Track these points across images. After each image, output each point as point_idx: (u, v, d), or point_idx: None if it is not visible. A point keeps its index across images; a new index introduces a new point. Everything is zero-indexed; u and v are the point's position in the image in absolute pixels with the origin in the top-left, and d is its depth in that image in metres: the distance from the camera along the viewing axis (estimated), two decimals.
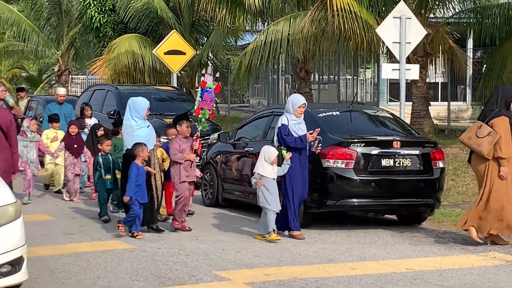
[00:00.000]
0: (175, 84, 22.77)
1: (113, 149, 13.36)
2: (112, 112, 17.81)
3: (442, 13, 20.57)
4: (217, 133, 15.92)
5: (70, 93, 35.69)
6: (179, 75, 26.28)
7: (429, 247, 10.85)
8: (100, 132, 14.92)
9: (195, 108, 12.23)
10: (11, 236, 7.65)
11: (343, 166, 11.84)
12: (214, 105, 12.23)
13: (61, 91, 18.50)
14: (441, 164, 12.51)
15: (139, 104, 11.86)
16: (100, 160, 12.99)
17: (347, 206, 12.13)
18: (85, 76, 42.53)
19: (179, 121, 12.03)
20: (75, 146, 14.95)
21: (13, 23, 34.64)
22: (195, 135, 12.21)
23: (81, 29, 33.54)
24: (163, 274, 9.03)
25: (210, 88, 12.25)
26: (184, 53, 22.55)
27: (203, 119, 12.24)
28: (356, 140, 11.99)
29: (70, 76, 37.80)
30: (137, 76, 28.09)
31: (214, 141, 15.27)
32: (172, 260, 9.80)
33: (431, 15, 20.52)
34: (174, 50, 22.44)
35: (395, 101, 22.75)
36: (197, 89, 30.75)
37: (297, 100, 11.69)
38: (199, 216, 13.30)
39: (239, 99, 47.91)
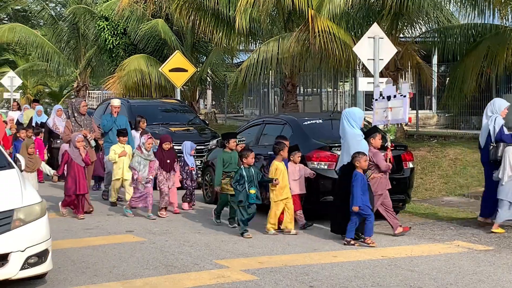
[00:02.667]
0: (178, 97, 22.76)
1: (221, 163, 11.78)
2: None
3: (410, 33, 20.60)
4: (216, 139, 15.91)
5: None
6: (182, 89, 26.26)
7: (401, 237, 10.85)
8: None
9: (409, 116, 11.43)
10: (38, 231, 7.68)
11: (325, 167, 11.85)
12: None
13: (116, 102, 15.43)
14: (411, 165, 12.54)
15: (356, 114, 10.74)
16: (244, 173, 10.92)
17: (331, 201, 12.11)
18: (100, 91, 42.34)
19: (372, 134, 10.91)
20: (168, 161, 12.99)
21: (37, 46, 34.69)
22: (388, 144, 11.20)
23: (96, 50, 33.51)
24: (170, 263, 9.03)
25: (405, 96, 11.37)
26: (186, 70, 22.63)
27: (393, 128, 11.46)
28: (336, 145, 11.98)
29: (87, 91, 37.76)
30: (145, 91, 28.06)
31: (213, 146, 15.24)
32: (178, 250, 9.80)
33: (401, 35, 20.55)
34: (177, 68, 22.51)
35: (370, 110, 22.73)
36: (195, 102, 30.71)
37: (503, 103, 11.38)
38: (201, 212, 13.29)
39: (234, 109, 47.84)
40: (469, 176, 15.58)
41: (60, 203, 12.93)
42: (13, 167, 8.60)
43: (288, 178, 11.20)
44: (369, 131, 11.05)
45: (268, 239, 10.68)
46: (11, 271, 7.40)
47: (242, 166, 11.06)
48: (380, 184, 10.87)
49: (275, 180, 10.98)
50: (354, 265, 8.98)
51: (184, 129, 17.85)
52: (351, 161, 10.30)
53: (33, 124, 19.85)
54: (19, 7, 48.99)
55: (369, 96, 24.80)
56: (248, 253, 9.69)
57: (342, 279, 8.26)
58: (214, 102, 48.75)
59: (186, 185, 13.67)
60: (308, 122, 13.02)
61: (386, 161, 10.97)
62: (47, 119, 19.34)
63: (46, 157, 18.04)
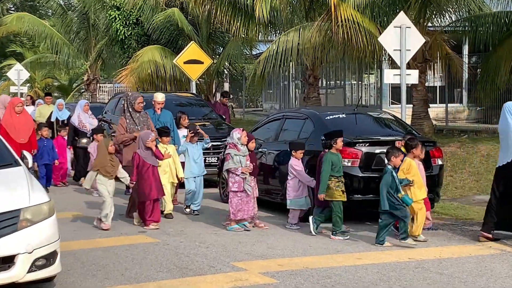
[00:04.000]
0: (194, 91, 22.81)
1: (330, 166, 10.80)
2: None
3: (439, 22, 20.51)
4: None
5: (98, 100, 35.89)
6: (198, 82, 26.32)
7: (429, 237, 10.81)
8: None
9: None
10: (46, 232, 7.71)
11: (349, 164, 11.80)
12: None
13: (159, 97, 13.85)
14: (440, 162, 12.47)
15: None
16: (395, 174, 10.35)
17: (354, 201, 12.09)
18: (112, 85, 42.61)
19: None
20: (253, 164, 11.67)
21: (46, 37, 34.97)
22: None
23: (107, 41, 33.66)
24: (185, 266, 9.05)
25: None
26: (202, 62, 22.63)
27: None
28: (361, 141, 11.97)
29: (98, 84, 37.99)
30: (159, 83, 28.17)
31: None
32: (193, 252, 9.82)
33: (429, 24, 20.46)
34: (193, 60, 22.51)
35: (396, 104, 22.67)
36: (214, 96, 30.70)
37: None
38: (217, 212, 13.30)
39: (253, 103, 47.89)
40: None
41: (135, 213, 12.09)
42: (20, 165, 8.64)
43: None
44: None
45: (289, 240, 10.69)
46: (18, 273, 7.44)
47: (389, 167, 10.40)
48: None
49: (411, 182, 10.52)
50: (379, 267, 8.95)
51: (200, 124, 17.84)
52: None
53: (52, 120, 18.60)
54: None
55: (395, 89, 24.73)
56: (267, 255, 9.69)
57: (367, 282, 8.24)
58: (231, 96, 48.83)
59: None
60: (331, 117, 12.97)
61: None
62: (69, 115, 18.35)
63: (71, 157, 17.55)
